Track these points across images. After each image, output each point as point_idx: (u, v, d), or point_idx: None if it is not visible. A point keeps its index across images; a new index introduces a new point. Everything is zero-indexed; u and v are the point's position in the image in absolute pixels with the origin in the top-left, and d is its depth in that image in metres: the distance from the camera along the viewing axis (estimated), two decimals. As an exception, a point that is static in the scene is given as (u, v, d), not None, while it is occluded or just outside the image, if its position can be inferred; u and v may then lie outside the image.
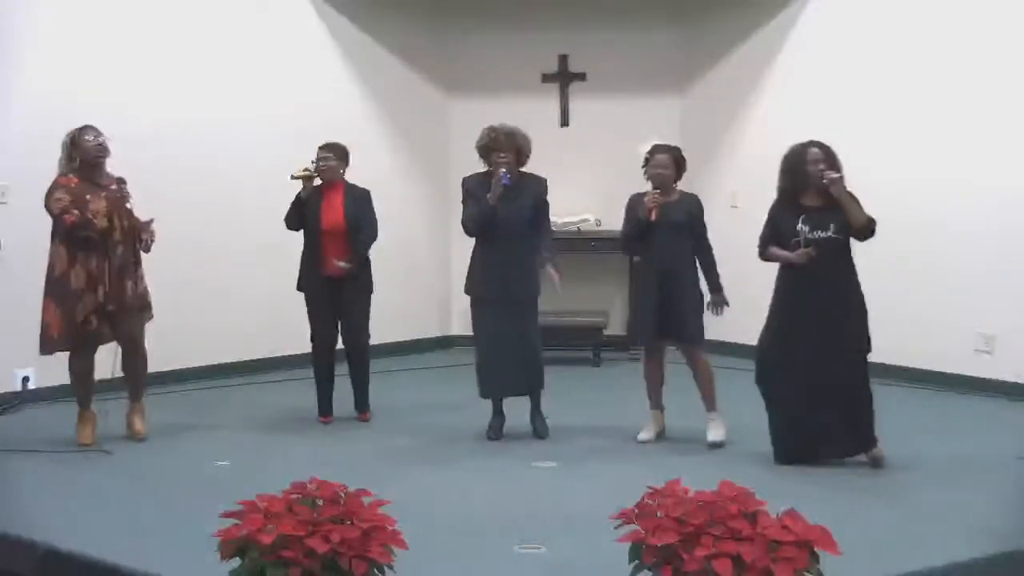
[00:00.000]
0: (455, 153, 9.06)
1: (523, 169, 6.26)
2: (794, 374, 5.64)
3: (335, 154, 6.65)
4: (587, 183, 8.73)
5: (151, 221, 6.08)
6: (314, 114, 8.11)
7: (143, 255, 6.20)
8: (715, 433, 6.10)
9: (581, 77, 9.10)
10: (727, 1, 8.68)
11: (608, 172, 8.87)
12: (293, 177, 6.56)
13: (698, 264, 6.16)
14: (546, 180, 6.31)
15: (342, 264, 6.53)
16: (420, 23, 8.97)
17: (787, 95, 8.36)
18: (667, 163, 6.11)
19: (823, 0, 8.18)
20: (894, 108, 7.69)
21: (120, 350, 6.26)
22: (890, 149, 7.67)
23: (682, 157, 6.20)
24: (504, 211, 6.14)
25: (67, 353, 6.18)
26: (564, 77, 9.12)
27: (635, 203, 6.15)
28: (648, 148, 6.20)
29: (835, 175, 5.59)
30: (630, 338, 6.38)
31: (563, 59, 9.11)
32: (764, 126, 8.44)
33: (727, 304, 6.16)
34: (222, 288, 7.79)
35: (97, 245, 6.02)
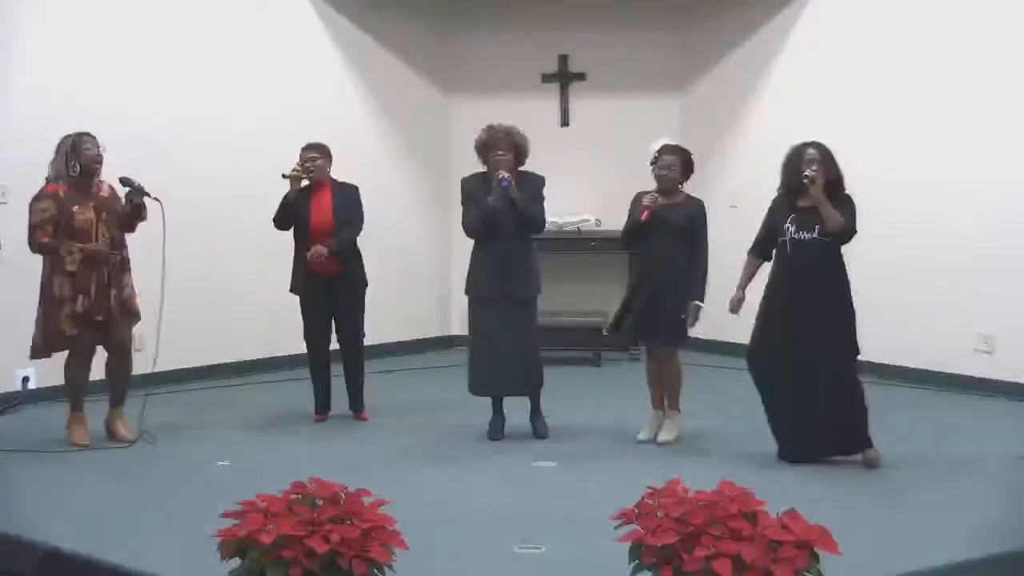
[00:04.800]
0: (455, 153, 9.06)
1: (521, 168, 6.25)
2: (781, 374, 5.67)
3: (321, 153, 6.65)
4: (587, 183, 8.74)
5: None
6: (314, 114, 8.11)
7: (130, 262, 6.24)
8: (666, 433, 6.15)
9: (581, 77, 9.10)
10: (727, 1, 8.68)
11: (608, 172, 8.87)
12: (284, 176, 6.56)
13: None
14: (543, 178, 6.28)
15: (320, 249, 6.48)
16: (420, 23, 8.97)
17: (787, 95, 8.36)
18: (674, 164, 6.10)
19: (823, 0, 8.18)
20: (894, 108, 7.70)
21: (107, 356, 6.27)
22: (890, 149, 7.68)
23: (690, 159, 6.18)
24: (502, 211, 6.12)
25: (64, 355, 6.18)
26: (564, 77, 9.12)
27: (638, 200, 6.17)
28: (657, 147, 6.18)
29: (810, 173, 5.60)
30: (610, 328, 6.40)
31: (563, 59, 9.11)
32: (764, 126, 8.45)
33: (696, 316, 6.04)
34: (221, 288, 7.79)
35: (107, 258, 6.04)
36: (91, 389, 6.34)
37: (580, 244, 8.70)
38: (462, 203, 6.29)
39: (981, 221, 7.31)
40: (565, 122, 9.06)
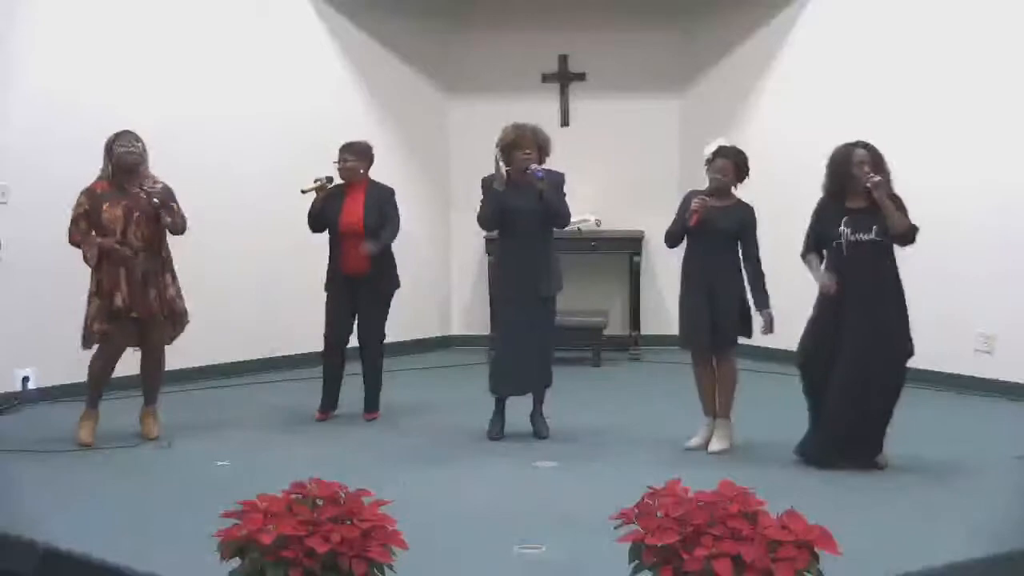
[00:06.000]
0: (455, 153, 9.07)
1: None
2: (832, 376, 5.62)
3: (355, 154, 6.67)
4: (587, 183, 8.71)
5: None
6: (314, 114, 8.12)
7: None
8: (718, 443, 6.04)
9: (581, 77, 9.10)
10: (727, 1, 8.68)
11: (608, 172, 8.88)
12: (303, 191, 6.58)
13: (744, 277, 6.03)
14: (563, 175, 6.30)
15: (367, 247, 6.54)
16: (420, 23, 8.96)
17: (787, 95, 8.36)
18: (727, 168, 6.01)
19: (823, 0, 8.18)
20: (894, 108, 7.69)
21: (140, 354, 6.30)
22: (890, 149, 7.63)
23: (745, 163, 6.07)
24: (522, 209, 6.14)
25: (79, 353, 6.20)
26: (564, 77, 9.12)
27: (688, 200, 6.07)
28: (713, 148, 6.09)
29: (877, 178, 5.55)
30: (681, 343, 6.28)
31: (563, 59, 9.11)
32: (764, 126, 8.44)
33: (772, 321, 5.97)
34: (222, 288, 7.78)
35: (112, 253, 6.06)
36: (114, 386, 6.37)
37: (580, 244, 8.70)
38: (481, 200, 6.29)
39: (981, 221, 7.31)
40: (565, 122, 9.06)
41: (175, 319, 6.28)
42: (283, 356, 8.07)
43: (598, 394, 7.63)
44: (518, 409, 6.40)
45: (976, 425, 6.71)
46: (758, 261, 6.03)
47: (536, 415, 6.41)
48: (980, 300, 7.35)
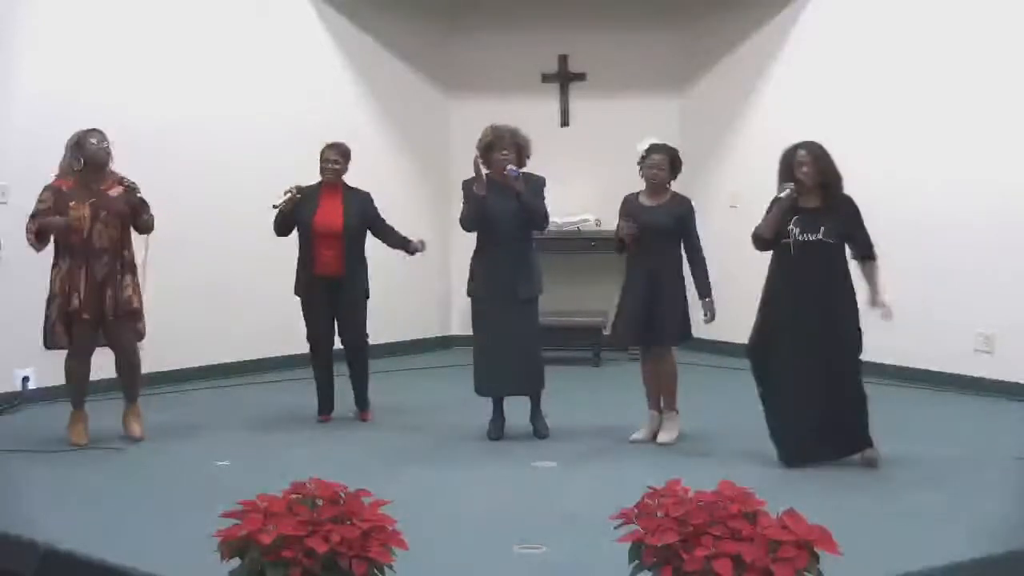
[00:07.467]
0: (455, 153, 9.06)
1: (523, 170, 6.25)
2: (782, 374, 5.65)
3: (342, 155, 6.68)
4: (587, 183, 8.73)
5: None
6: (314, 114, 8.12)
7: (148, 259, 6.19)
8: (666, 434, 6.13)
9: (581, 77, 9.11)
10: (727, 1, 8.68)
11: (608, 172, 8.84)
12: (275, 207, 6.56)
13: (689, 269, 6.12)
14: (544, 179, 6.30)
15: (418, 245, 6.67)
16: (420, 23, 8.97)
17: (787, 95, 8.37)
18: (662, 164, 6.11)
19: (823, 0, 8.18)
20: (893, 107, 7.70)
21: (114, 355, 6.28)
22: (889, 148, 7.68)
23: (678, 158, 6.19)
24: (502, 211, 6.14)
25: (64, 353, 6.18)
26: (564, 77, 9.13)
27: (624, 206, 6.19)
28: (645, 146, 6.19)
29: (885, 307, 5.64)
30: (612, 338, 6.39)
31: (563, 59, 9.11)
32: (764, 126, 8.45)
33: (713, 311, 6.07)
34: (222, 288, 7.79)
35: (75, 252, 6.02)
36: (102, 387, 6.34)
37: (580, 244, 8.71)
38: (464, 202, 6.30)
39: (981, 221, 7.31)
40: (565, 122, 9.07)
41: (134, 318, 6.17)
42: (283, 356, 8.06)
43: (598, 394, 7.63)
44: (518, 409, 6.40)
45: (976, 425, 6.70)
46: (700, 251, 6.11)
47: (535, 415, 6.41)
48: (980, 300, 7.35)
